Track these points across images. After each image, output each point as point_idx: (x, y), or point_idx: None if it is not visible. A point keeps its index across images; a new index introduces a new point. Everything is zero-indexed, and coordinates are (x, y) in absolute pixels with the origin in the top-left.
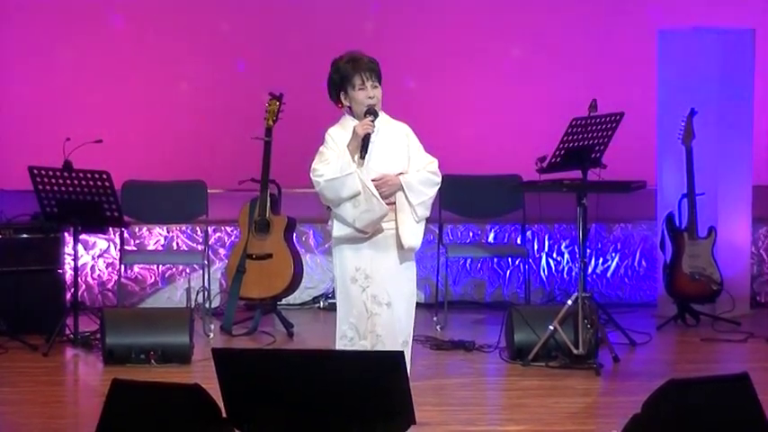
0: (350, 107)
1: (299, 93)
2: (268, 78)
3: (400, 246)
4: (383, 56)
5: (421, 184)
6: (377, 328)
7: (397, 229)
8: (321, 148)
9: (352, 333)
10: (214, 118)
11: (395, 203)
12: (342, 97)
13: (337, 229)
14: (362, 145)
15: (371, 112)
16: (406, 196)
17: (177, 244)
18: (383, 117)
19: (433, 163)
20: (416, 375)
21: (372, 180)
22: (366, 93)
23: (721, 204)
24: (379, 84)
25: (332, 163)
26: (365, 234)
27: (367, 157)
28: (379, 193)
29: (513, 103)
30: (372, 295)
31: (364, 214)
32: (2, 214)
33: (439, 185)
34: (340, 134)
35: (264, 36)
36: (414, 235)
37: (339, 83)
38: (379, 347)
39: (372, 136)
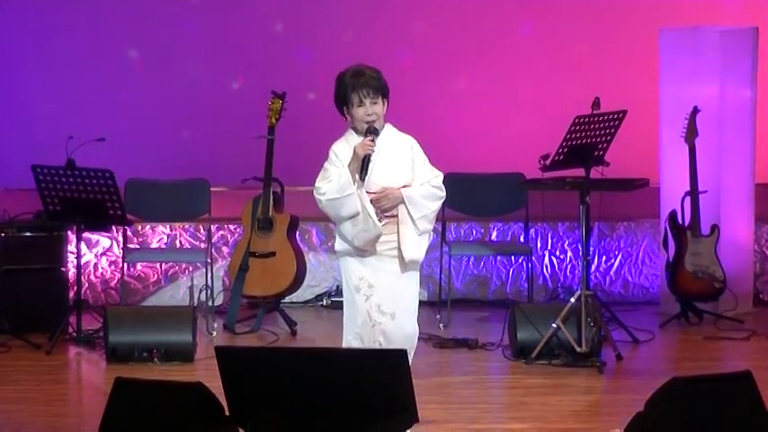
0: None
1: (303, 91)
2: (271, 77)
3: (402, 258)
4: (386, 53)
5: (423, 198)
6: (380, 337)
7: (399, 241)
8: (325, 164)
9: (357, 342)
10: (217, 116)
11: (397, 216)
12: (345, 112)
13: (338, 244)
14: (362, 166)
15: (372, 131)
16: (407, 210)
17: (180, 242)
18: (389, 130)
19: (437, 177)
20: (419, 373)
21: (374, 193)
22: (365, 110)
23: (724, 202)
24: (383, 97)
25: (333, 182)
26: (364, 251)
27: (370, 169)
28: (381, 207)
29: (516, 102)
30: (377, 305)
31: (361, 233)
32: (5, 213)
33: (443, 199)
34: (344, 150)
35: (267, 35)
36: (415, 248)
37: (341, 98)
38: None
39: (377, 148)
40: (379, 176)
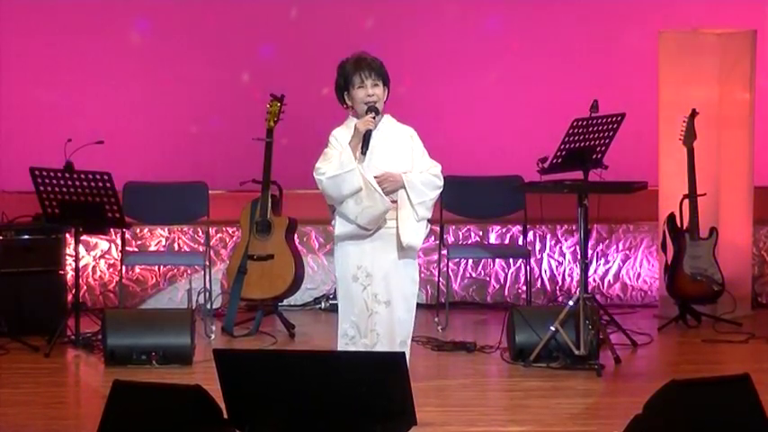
0: (353, 107)
1: (301, 94)
2: (269, 79)
3: (401, 244)
4: (384, 56)
5: (423, 185)
6: (377, 326)
7: (397, 227)
8: (325, 149)
9: (353, 331)
10: (215, 119)
11: (396, 202)
12: (345, 98)
13: (339, 227)
14: (363, 141)
15: (372, 109)
16: (407, 194)
17: (178, 245)
18: (389, 119)
19: (436, 167)
20: (417, 376)
21: (375, 177)
22: (365, 91)
23: (722, 205)
24: (383, 83)
25: (334, 161)
26: (367, 231)
27: (369, 155)
28: (383, 189)
29: (514, 104)
30: (373, 293)
31: (366, 210)
32: (3, 215)
33: (441, 189)
34: (344, 135)
35: (266, 37)
36: (414, 233)
37: (342, 84)
38: (379, 346)
39: (377, 135)
40: (379, 162)
